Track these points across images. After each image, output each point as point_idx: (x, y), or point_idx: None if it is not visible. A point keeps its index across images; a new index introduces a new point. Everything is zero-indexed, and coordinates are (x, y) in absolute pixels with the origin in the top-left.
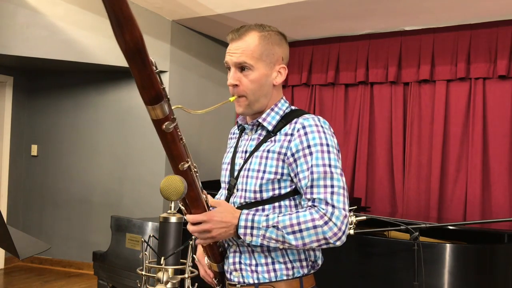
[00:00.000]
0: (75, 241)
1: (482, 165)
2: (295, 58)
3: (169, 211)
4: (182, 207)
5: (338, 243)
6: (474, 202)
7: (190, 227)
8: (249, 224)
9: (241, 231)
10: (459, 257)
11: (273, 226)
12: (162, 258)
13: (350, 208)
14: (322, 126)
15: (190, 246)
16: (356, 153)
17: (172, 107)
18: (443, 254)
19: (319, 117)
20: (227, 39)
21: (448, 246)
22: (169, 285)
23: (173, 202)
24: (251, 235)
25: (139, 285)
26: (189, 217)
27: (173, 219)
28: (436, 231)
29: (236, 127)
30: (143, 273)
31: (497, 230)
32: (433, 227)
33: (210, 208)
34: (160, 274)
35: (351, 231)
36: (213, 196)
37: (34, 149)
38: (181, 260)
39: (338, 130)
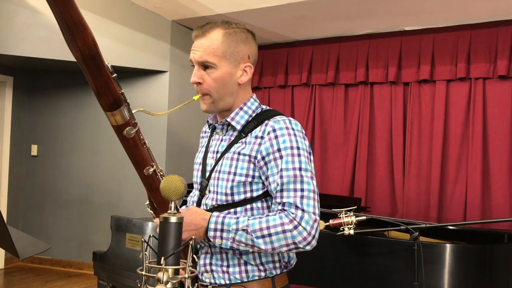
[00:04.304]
0: (75, 241)
1: (482, 165)
2: (295, 58)
3: (169, 211)
4: (151, 211)
5: (308, 248)
6: (474, 202)
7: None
8: (218, 226)
9: (210, 233)
10: (459, 257)
11: (243, 230)
12: (162, 258)
13: (350, 208)
14: (293, 129)
15: (190, 246)
16: (356, 153)
17: (133, 111)
18: (443, 254)
19: (290, 119)
20: (192, 36)
21: (448, 246)
22: (169, 285)
23: (173, 202)
24: (221, 238)
25: (139, 285)
26: (157, 220)
27: (173, 219)
28: (436, 231)
29: (207, 126)
30: (143, 273)
31: (497, 230)
32: (433, 227)
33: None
34: (160, 274)
35: (351, 231)
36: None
37: (34, 149)
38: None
39: (338, 130)
